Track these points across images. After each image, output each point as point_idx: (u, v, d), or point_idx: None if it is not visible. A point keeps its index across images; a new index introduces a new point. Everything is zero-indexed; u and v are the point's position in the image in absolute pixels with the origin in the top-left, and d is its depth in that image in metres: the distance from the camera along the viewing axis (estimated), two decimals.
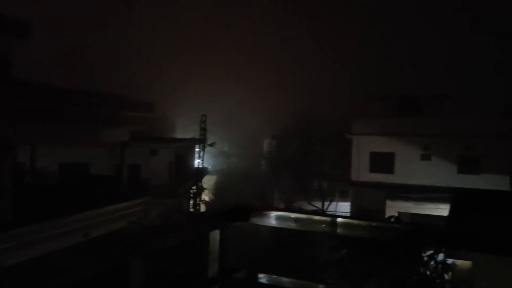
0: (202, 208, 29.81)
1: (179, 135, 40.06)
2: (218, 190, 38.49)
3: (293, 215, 2.21)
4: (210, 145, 30.25)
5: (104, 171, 20.30)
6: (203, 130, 29.61)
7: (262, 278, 2.19)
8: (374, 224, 2.35)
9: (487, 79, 48.77)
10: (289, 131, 36.01)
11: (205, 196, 33.41)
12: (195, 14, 63.02)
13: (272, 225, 1.97)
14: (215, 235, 1.70)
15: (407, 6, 55.99)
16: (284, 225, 2.14)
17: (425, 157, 22.40)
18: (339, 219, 2.49)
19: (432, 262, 8.39)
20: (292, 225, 2.20)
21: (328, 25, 59.97)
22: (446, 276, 8.25)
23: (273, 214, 1.95)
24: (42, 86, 16.67)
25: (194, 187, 29.41)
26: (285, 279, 2.17)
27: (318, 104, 39.81)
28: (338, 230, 2.43)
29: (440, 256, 8.46)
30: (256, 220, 1.89)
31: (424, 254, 8.47)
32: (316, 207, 32.57)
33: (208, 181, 35.60)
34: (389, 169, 23.01)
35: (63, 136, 17.85)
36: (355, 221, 2.39)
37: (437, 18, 59.58)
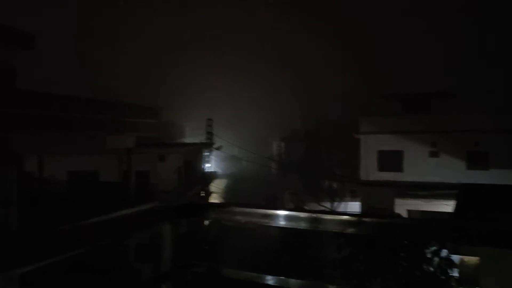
0: None
1: (188, 140, 40.16)
2: (228, 193, 38.49)
3: (260, 211, 2.14)
4: (217, 148, 30.28)
5: (112, 178, 20.43)
6: (210, 134, 29.64)
7: (270, 280, 2.14)
8: (374, 220, 2.24)
9: (485, 75, 48.29)
10: (298, 132, 35.99)
11: (215, 200, 33.44)
12: (198, 19, 63.35)
13: (234, 222, 1.97)
14: (167, 230, 1.71)
15: (406, 5, 55.71)
16: (251, 221, 2.09)
17: (434, 154, 22.20)
18: (325, 216, 2.39)
19: (436, 258, 8.32)
20: (263, 221, 2.14)
21: (329, 27, 59.96)
22: (450, 272, 8.17)
23: (233, 210, 1.95)
24: (47, 95, 16.89)
25: (202, 192, 29.45)
26: (292, 280, 2.12)
27: (325, 105, 39.73)
28: (333, 228, 2.32)
29: (444, 253, 8.38)
30: (213, 216, 1.90)
31: (427, 251, 8.40)
32: (326, 207, 32.43)
33: (218, 185, 35.61)
34: (398, 167, 22.83)
35: (70, 144, 18.02)
36: (351, 218, 2.28)
37: (437, 16, 59.30)
